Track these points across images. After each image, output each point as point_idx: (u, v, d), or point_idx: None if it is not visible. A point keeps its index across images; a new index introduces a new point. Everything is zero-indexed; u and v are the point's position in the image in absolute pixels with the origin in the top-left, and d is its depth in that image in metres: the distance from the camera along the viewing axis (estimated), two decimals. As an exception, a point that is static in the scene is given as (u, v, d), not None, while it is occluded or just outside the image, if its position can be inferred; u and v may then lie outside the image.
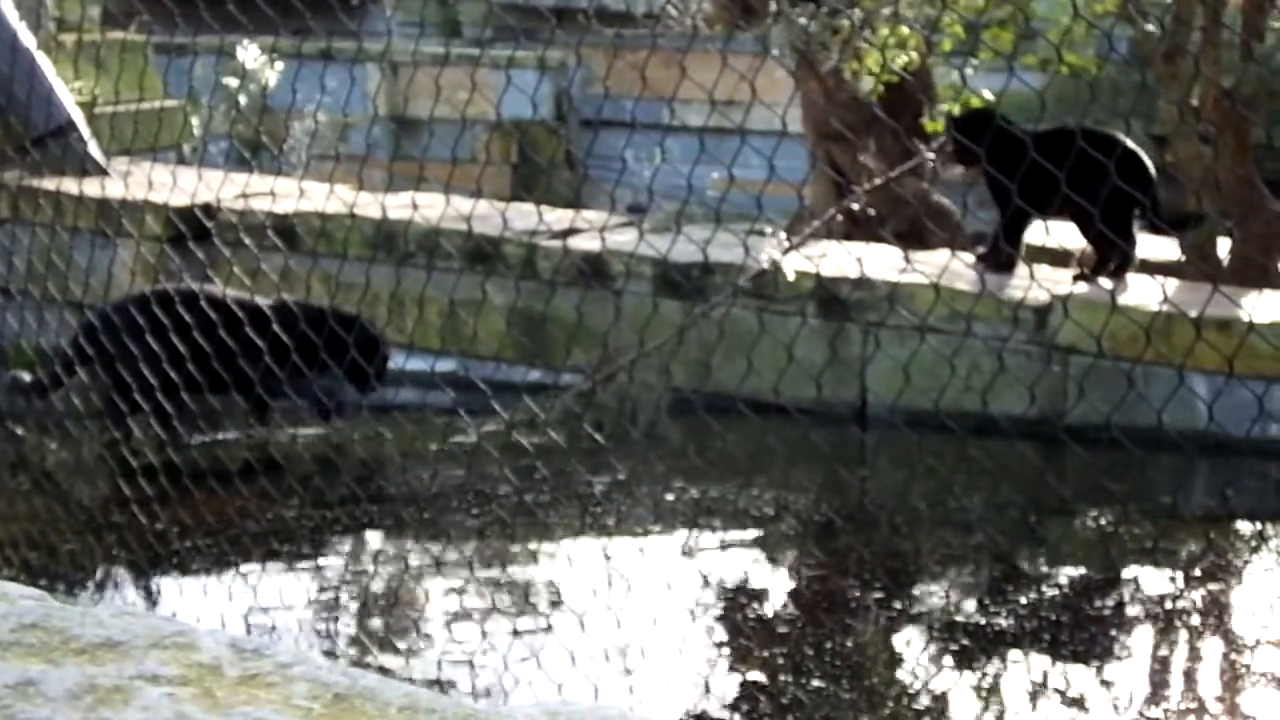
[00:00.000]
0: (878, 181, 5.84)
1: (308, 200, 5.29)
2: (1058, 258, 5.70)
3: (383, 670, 3.20)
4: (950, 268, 5.08)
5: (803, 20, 6.13)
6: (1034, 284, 4.97)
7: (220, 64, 7.58)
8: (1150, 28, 6.00)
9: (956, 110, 6.11)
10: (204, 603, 3.81)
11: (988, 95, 6.09)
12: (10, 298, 5.60)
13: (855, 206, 5.98)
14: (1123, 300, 4.97)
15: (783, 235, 5.62)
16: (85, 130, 6.59)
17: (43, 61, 6.58)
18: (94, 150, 6.53)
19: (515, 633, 3.63)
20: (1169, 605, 4.08)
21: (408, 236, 5.57)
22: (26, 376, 5.20)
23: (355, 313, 5.05)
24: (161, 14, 4.73)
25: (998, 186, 4.62)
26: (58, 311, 5.17)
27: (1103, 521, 4.58)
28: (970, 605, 3.97)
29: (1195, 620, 3.96)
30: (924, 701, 3.50)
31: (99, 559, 4.14)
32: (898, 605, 4.03)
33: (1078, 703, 3.46)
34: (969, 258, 5.58)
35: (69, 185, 5.51)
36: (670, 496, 4.69)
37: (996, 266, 5.50)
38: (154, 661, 1.42)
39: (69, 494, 4.78)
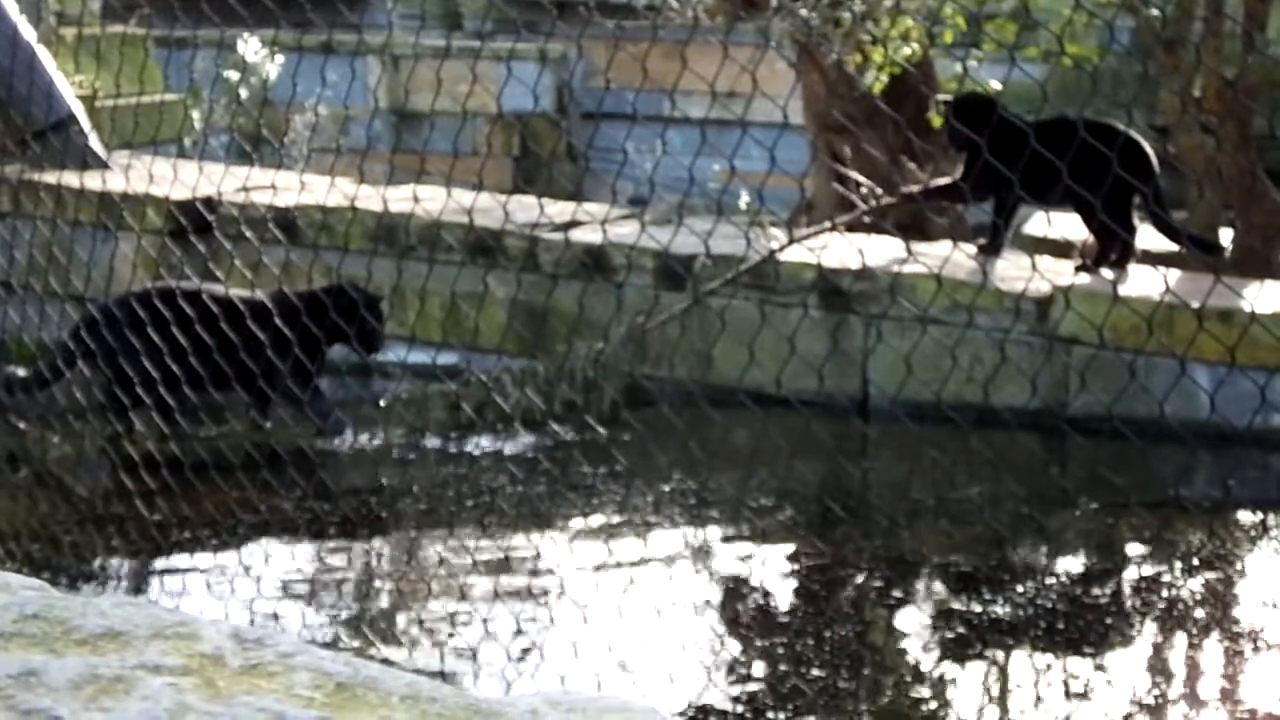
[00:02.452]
0: (901, 193, 5.82)
1: (309, 193, 5.29)
2: (1059, 249, 5.69)
3: (386, 661, 3.20)
4: (952, 259, 5.07)
5: (804, 12, 6.13)
6: (1036, 275, 4.97)
7: (221, 57, 7.57)
8: (1155, 12, 5.99)
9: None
10: (206, 594, 3.82)
11: (995, 85, 6.09)
12: (11, 292, 5.60)
13: (861, 204, 5.98)
14: (1124, 291, 4.97)
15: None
16: (86, 124, 6.59)
17: (43, 55, 6.58)
18: (95, 144, 6.53)
19: (518, 624, 3.64)
20: (1170, 595, 4.08)
21: (409, 229, 5.57)
22: (21, 371, 5.20)
23: (338, 282, 5.04)
24: (162, 7, 4.73)
25: (995, 174, 4.62)
26: (59, 305, 5.17)
27: (1104, 512, 4.58)
28: (971, 596, 3.97)
29: (1196, 610, 3.96)
30: (924, 691, 3.50)
31: (101, 551, 4.14)
32: (898, 595, 4.03)
33: (1078, 692, 3.46)
34: (970, 249, 5.58)
35: (70, 179, 5.51)
36: (671, 488, 4.69)
37: (992, 250, 5.51)
38: (155, 651, 1.42)
39: (71, 487, 4.78)
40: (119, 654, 1.41)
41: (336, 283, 5.05)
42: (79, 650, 1.41)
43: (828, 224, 5.80)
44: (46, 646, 1.42)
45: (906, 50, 6.11)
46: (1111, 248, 5.46)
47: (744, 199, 6.49)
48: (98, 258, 5.00)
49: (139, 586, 3.95)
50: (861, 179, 6.09)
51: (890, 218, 5.95)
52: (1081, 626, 3.78)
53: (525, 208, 5.54)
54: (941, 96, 5.87)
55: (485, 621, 3.63)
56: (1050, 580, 4.15)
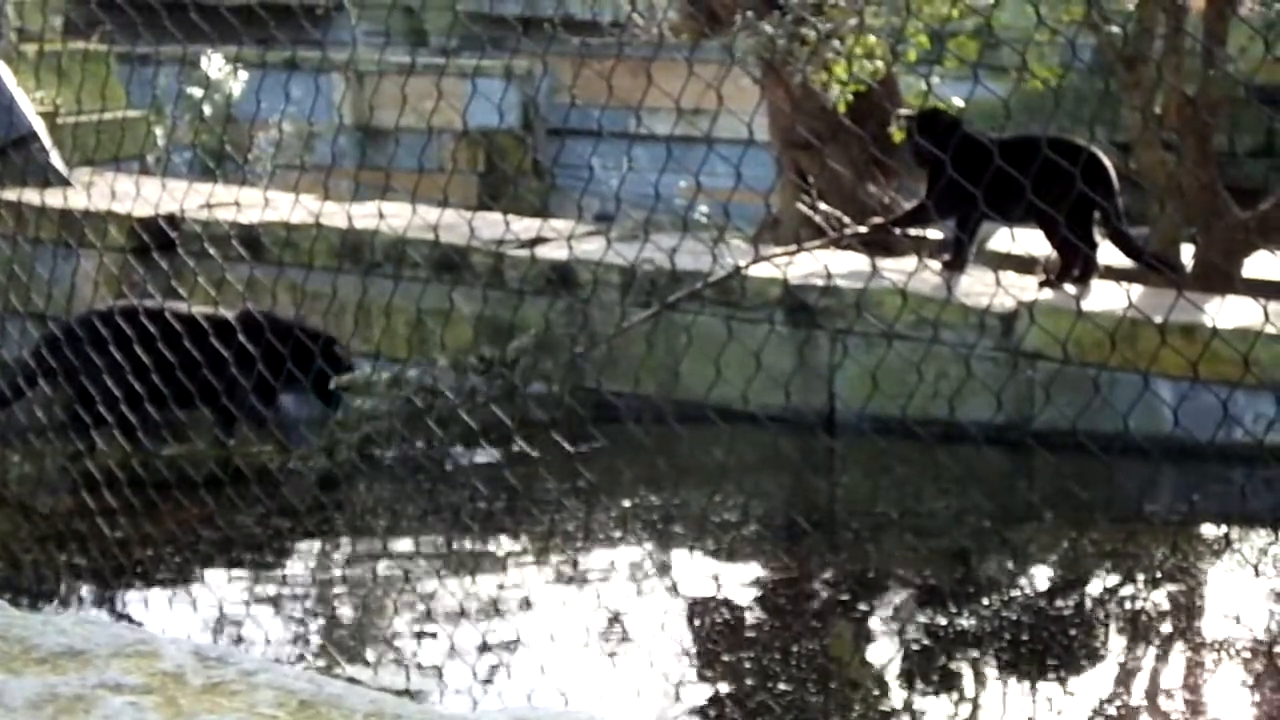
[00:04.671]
0: (872, 222, 5.84)
1: (273, 210, 5.27)
2: (1023, 264, 5.72)
3: (350, 679, 3.18)
4: (917, 275, 5.09)
5: (769, 30, 6.15)
6: (1000, 291, 4.99)
7: (184, 74, 7.53)
8: (1116, 30, 6.03)
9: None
10: (168, 612, 3.78)
11: (958, 102, 6.12)
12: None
13: (830, 231, 6.00)
14: (1088, 306, 4.99)
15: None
16: (47, 140, 6.54)
17: (4, 71, 6.53)
18: (56, 160, 6.48)
19: (484, 641, 3.62)
20: (1134, 608, 4.10)
21: (374, 246, 5.55)
22: None
23: (322, 329, 5.05)
24: (124, 23, 4.70)
25: (959, 191, 4.64)
26: (19, 323, 5.12)
27: (1069, 526, 4.60)
28: (937, 609, 3.97)
29: (1160, 623, 3.98)
30: (891, 704, 3.50)
31: (62, 569, 4.10)
32: (864, 609, 4.04)
33: (1043, 705, 3.47)
34: (936, 264, 5.60)
35: (31, 196, 5.47)
36: (638, 503, 4.69)
37: (956, 267, 5.55)
38: (116, 670, 1.40)
39: (32, 505, 4.73)
40: (79, 673, 1.39)
41: (319, 330, 5.05)
42: (38, 669, 1.40)
43: (795, 247, 5.81)
44: (5, 666, 1.40)
45: (870, 67, 6.14)
46: (1074, 263, 5.49)
47: (702, 210, 6.49)
48: (59, 275, 4.96)
49: (100, 604, 3.92)
50: (829, 209, 6.10)
51: (852, 225, 5.97)
52: (1046, 639, 3.79)
53: (491, 224, 5.53)
54: (904, 111, 5.90)
55: (451, 638, 3.61)
56: (1015, 594, 4.17)
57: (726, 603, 4.04)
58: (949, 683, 3.61)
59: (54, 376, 5.04)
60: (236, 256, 4.92)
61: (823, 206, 6.13)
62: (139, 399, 4.58)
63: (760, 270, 5.46)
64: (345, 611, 3.97)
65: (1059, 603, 4.11)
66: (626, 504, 4.67)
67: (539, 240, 5.75)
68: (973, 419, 4.51)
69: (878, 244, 6.03)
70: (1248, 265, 6.12)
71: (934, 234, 5.87)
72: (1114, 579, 4.34)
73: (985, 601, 4.06)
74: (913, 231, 5.84)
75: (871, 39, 6.20)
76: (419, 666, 3.51)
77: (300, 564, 4.25)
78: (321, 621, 3.89)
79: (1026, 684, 3.57)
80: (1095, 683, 3.60)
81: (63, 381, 5.01)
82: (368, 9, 9.32)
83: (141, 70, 6.24)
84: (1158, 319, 4.20)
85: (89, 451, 4.85)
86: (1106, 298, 5.19)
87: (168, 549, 4.19)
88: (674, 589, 4.08)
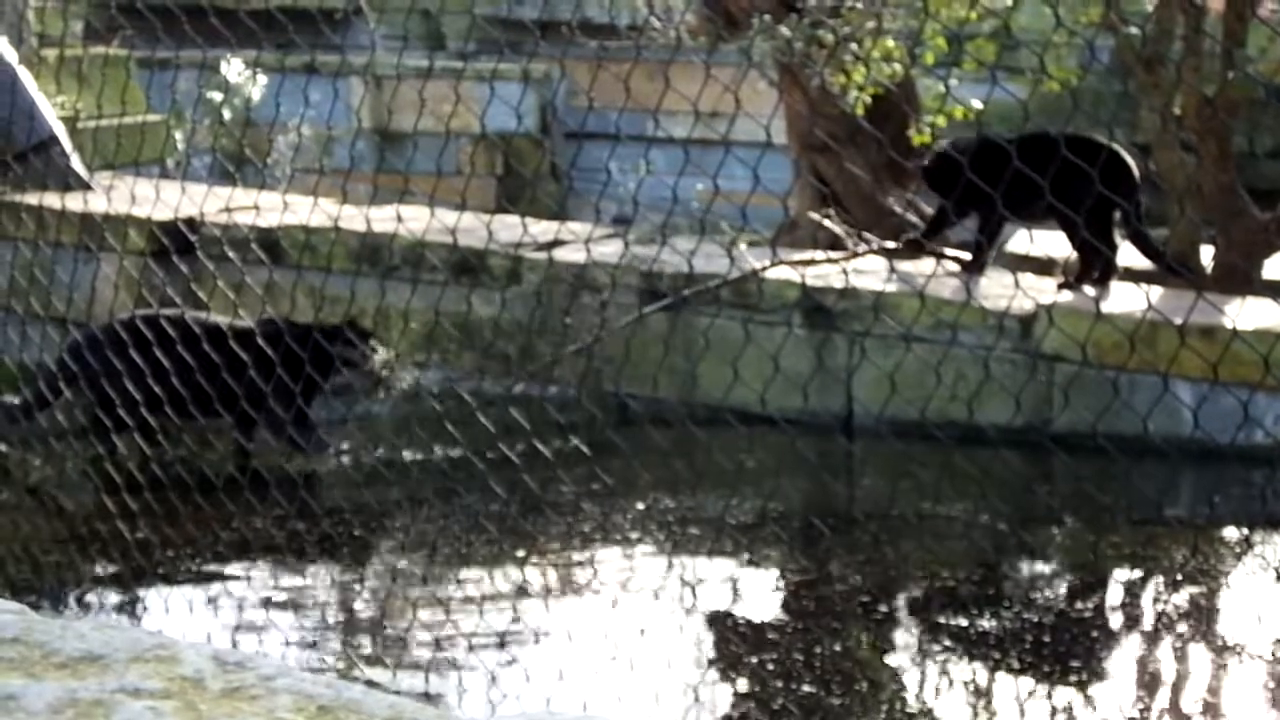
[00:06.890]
0: (905, 239, 5.82)
1: (292, 214, 5.28)
2: (1042, 266, 5.71)
3: (369, 683, 3.18)
4: (935, 277, 5.09)
5: (786, 32, 6.14)
6: (1019, 293, 4.98)
7: (204, 78, 7.57)
8: (1134, 31, 6.02)
9: (942, 121, 6.14)
10: (187, 616, 3.79)
11: (976, 104, 6.11)
12: (-7, 313, 5.57)
13: (838, 228, 6.00)
14: (1107, 308, 4.98)
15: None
16: (68, 145, 6.57)
17: (25, 76, 6.57)
18: (77, 165, 6.52)
19: (502, 645, 3.62)
20: (1155, 611, 4.08)
21: (392, 249, 5.56)
22: (12, 399, 5.19)
23: (336, 323, 5.06)
24: (144, 28, 4.72)
25: (978, 191, 4.62)
26: (40, 327, 5.15)
27: (1089, 529, 4.58)
28: (957, 611, 3.96)
29: (1180, 626, 3.97)
30: (912, 706, 3.49)
31: (83, 573, 4.12)
32: (884, 611, 4.03)
33: (1064, 707, 3.46)
34: (954, 267, 5.59)
35: (51, 200, 5.49)
36: (656, 506, 4.68)
37: (975, 269, 5.54)
38: (135, 675, 1.41)
39: (53, 509, 4.76)
40: (98, 677, 1.39)
41: (331, 325, 5.07)
42: (58, 674, 1.40)
43: (821, 256, 5.81)
44: (25, 670, 1.41)
45: (888, 70, 6.13)
46: (1094, 265, 5.47)
47: (698, 206, 6.49)
48: (79, 279, 4.99)
49: (120, 609, 3.93)
50: (852, 228, 6.09)
51: (876, 239, 5.96)
52: (1067, 641, 3.78)
53: (509, 227, 5.54)
54: (928, 118, 5.87)
55: (469, 642, 3.61)
56: (1035, 596, 4.15)
57: (745, 605, 4.03)
58: (970, 685, 3.60)
59: (76, 383, 5.07)
60: (255, 260, 4.94)
61: (846, 226, 6.12)
62: (160, 405, 4.60)
63: (778, 273, 5.46)
64: (364, 616, 3.98)
65: (1079, 605, 4.09)
66: (644, 507, 4.67)
67: (556, 243, 5.76)
68: (991, 421, 4.50)
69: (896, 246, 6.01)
70: (1268, 266, 6.09)
71: (962, 254, 5.83)
72: (1134, 582, 4.33)
73: (1005, 604, 4.05)
74: (948, 252, 5.81)
75: (889, 42, 6.19)
76: (438, 671, 3.52)
77: (319, 568, 4.26)
78: (340, 626, 3.90)
79: (1047, 687, 3.55)
80: (1116, 686, 3.58)
81: (85, 388, 5.03)
82: (386, 13, 9.34)
83: (161, 75, 6.26)
84: (1177, 320, 4.18)
85: (109, 455, 4.87)
86: (1126, 299, 5.17)
87: (186, 551, 4.21)
88: (692, 592, 4.08)
